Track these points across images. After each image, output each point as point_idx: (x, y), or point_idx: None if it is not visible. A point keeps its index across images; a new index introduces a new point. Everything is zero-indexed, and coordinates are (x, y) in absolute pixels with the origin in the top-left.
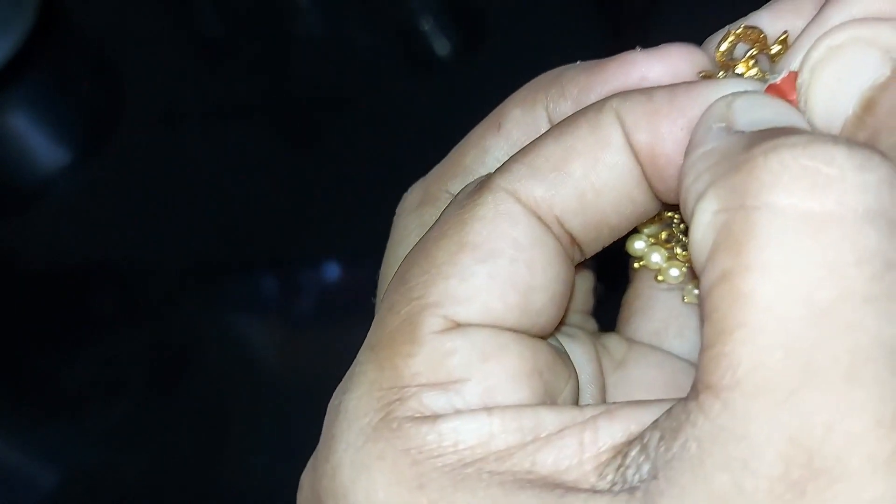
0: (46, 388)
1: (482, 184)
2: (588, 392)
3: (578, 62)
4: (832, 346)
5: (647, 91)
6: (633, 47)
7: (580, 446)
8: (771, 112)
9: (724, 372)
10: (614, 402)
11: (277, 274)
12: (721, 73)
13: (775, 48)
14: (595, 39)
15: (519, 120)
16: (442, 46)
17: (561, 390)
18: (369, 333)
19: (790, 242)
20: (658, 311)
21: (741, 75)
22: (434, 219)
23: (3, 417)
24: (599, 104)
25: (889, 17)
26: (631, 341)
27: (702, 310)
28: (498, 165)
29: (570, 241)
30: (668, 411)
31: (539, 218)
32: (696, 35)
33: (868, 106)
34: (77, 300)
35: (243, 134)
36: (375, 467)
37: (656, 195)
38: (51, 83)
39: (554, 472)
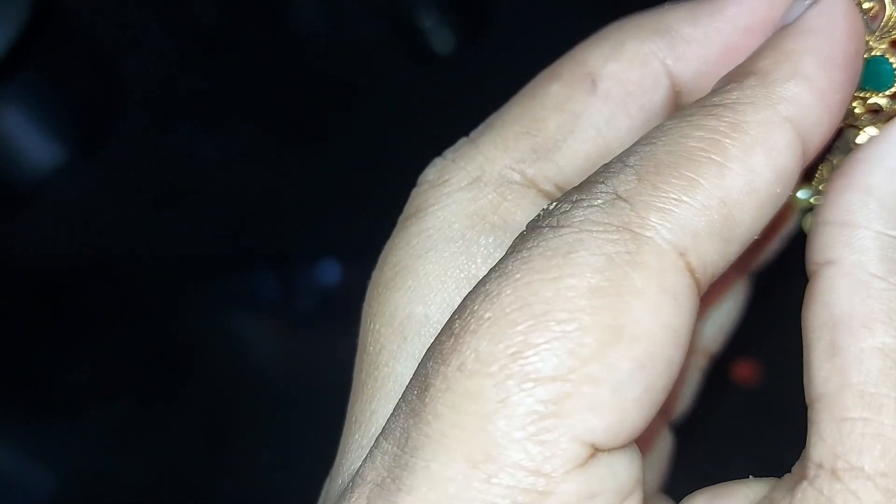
0: (45, 389)
1: (631, 225)
2: None
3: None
4: None
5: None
6: None
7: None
8: None
9: (848, 454)
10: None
11: (277, 273)
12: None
13: None
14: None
15: (621, 77)
16: (443, 41)
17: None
18: (438, 431)
19: None
20: None
21: None
22: (498, 215)
23: (2, 418)
24: (762, 108)
25: None
26: None
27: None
28: (599, 137)
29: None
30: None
31: (699, 285)
32: None
33: None
34: (75, 300)
35: (242, 130)
36: None
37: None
38: (46, 79)
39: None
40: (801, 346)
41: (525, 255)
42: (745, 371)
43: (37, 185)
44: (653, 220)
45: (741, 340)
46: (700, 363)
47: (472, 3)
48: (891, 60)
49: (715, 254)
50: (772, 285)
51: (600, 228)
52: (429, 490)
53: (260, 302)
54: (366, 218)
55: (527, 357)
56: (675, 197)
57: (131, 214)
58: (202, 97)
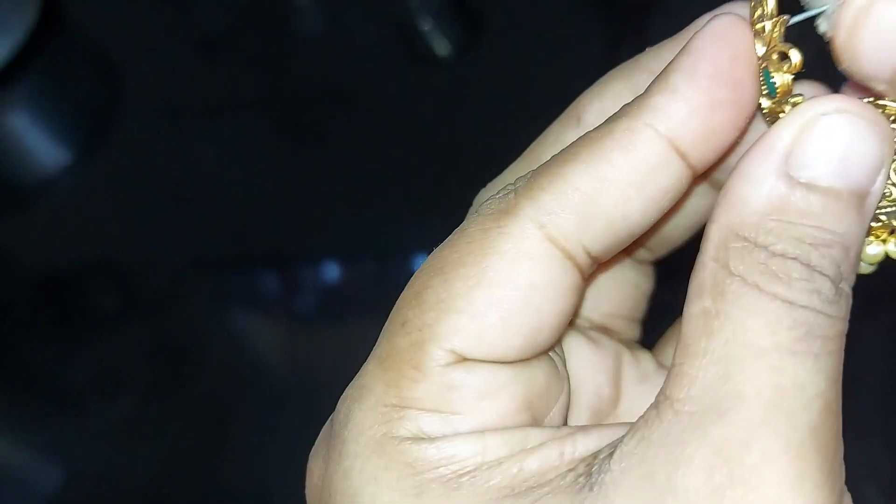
0: (48, 387)
1: (508, 209)
2: (585, 404)
3: (648, 48)
4: (760, 382)
5: (688, 105)
6: (632, 46)
7: (561, 455)
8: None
9: (682, 388)
10: (593, 425)
11: (278, 272)
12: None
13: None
14: (594, 39)
15: (601, 111)
16: (442, 45)
17: (549, 410)
18: (380, 340)
19: (749, 307)
20: None
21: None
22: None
23: (5, 416)
24: (631, 118)
25: None
26: (660, 364)
27: (682, 329)
28: None
29: (591, 263)
30: (641, 416)
31: (563, 250)
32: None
33: None
34: (78, 298)
35: (243, 132)
36: (381, 477)
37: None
38: (51, 82)
39: (537, 475)
40: None
41: (453, 234)
42: None
43: (42, 185)
44: (521, 203)
45: None
46: (583, 326)
47: (470, 9)
48: (772, 74)
49: (574, 228)
50: None
51: (489, 211)
52: None
53: (261, 301)
54: (366, 218)
55: (424, 295)
56: (541, 186)
57: (134, 215)
58: (204, 100)
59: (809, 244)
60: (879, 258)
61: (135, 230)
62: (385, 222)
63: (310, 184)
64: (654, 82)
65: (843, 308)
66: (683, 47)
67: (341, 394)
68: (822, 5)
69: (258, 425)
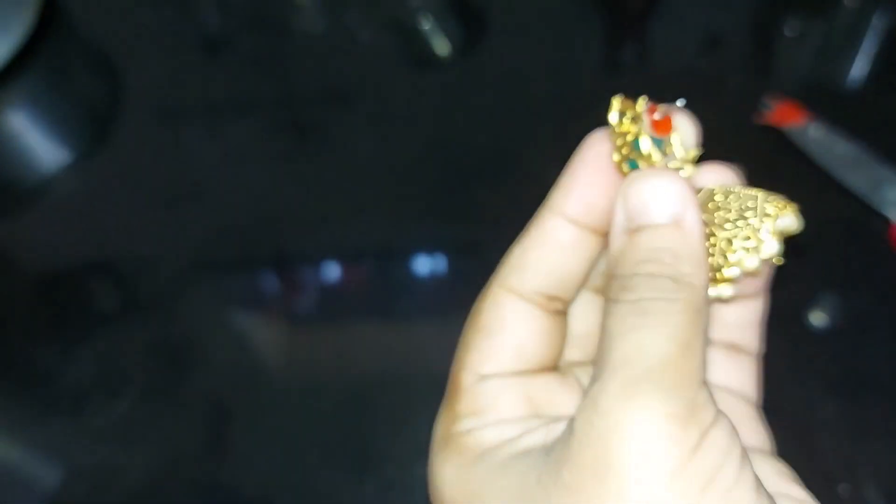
0: (48, 386)
1: (489, 288)
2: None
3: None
4: (627, 347)
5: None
6: (630, 49)
7: (545, 435)
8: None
9: (597, 367)
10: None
11: (278, 271)
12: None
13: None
14: (595, 40)
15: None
16: (443, 46)
17: (550, 402)
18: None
19: (619, 311)
20: None
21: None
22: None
23: (6, 415)
24: (545, 211)
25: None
26: None
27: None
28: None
29: (548, 299)
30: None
31: (522, 296)
32: (691, 35)
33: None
34: (79, 298)
35: (244, 132)
36: (446, 459)
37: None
38: (51, 82)
39: (532, 448)
40: (782, 347)
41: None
42: None
43: (42, 185)
44: (492, 279)
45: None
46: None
47: (471, 9)
48: (637, 162)
49: (531, 283)
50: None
51: (483, 295)
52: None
53: (261, 300)
54: (366, 218)
55: (459, 347)
56: (505, 267)
57: (134, 214)
58: (204, 99)
59: (644, 261)
60: (728, 295)
61: (135, 230)
62: (385, 223)
63: (310, 184)
64: (554, 189)
65: (688, 292)
66: (567, 166)
67: (339, 393)
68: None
69: (258, 424)
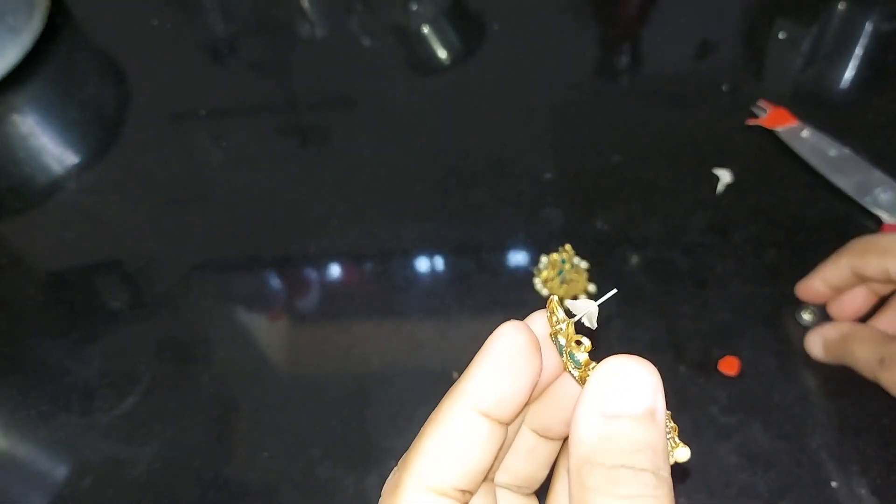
0: (57, 382)
1: (397, 483)
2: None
3: None
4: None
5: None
6: (624, 55)
7: None
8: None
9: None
10: None
11: (282, 271)
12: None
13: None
14: (591, 46)
15: None
16: (443, 51)
17: None
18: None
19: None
20: None
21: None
22: None
23: (14, 411)
24: (452, 402)
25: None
26: None
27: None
28: None
29: (461, 493)
30: None
31: (441, 493)
32: (688, 36)
33: None
34: (87, 296)
35: (249, 134)
36: None
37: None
38: (59, 85)
39: None
40: (774, 345)
41: None
42: (727, 365)
43: (51, 186)
44: (403, 475)
45: (725, 341)
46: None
47: (470, 16)
48: (575, 354)
49: (439, 476)
50: (748, 298)
51: (388, 486)
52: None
53: (265, 299)
54: (367, 220)
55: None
56: (412, 460)
57: (142, 214)
58: (210, 103)
59: (629, 452)
60: (685, 459)
61: (142, 230)
62: (386, 224)
63: (313, 186)
64: (465, 377)
65: (666, 487)
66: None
67: (341, 390)
68: (583, 312)
69: (261, 420)
